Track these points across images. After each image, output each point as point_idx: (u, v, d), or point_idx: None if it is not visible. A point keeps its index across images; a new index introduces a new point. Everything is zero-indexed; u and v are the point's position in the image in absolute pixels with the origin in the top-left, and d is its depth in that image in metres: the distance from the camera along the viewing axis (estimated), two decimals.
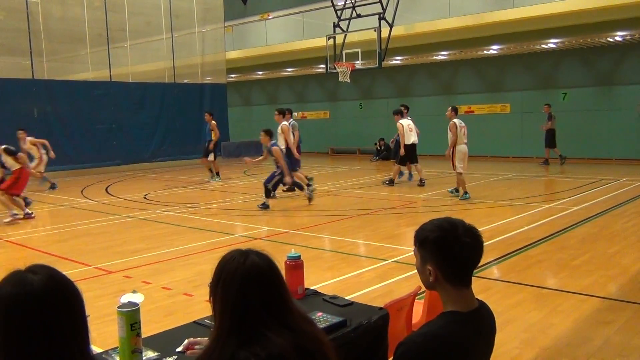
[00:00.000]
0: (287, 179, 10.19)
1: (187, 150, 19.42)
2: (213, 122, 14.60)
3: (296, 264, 2.82)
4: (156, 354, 2.24)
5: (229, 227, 8.85)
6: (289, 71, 23.47)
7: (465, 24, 15.60)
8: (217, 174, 14.67)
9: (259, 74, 24.76)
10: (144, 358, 2.17)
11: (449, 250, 1.80)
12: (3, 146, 10.00)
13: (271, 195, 10.42)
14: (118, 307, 2.13)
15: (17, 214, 9.64)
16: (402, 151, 12.59)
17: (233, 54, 21.57)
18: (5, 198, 9.58)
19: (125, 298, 2.23)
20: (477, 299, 1.90)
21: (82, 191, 13.63)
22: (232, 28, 22.14)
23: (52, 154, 13.61)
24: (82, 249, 7.52)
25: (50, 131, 16.95)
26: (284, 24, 20.73)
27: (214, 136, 14.54)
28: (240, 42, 21.88)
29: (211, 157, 14.59)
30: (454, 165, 10.61)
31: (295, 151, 11.82)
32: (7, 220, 9.45)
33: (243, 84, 26.40)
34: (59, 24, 18.63)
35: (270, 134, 10.25)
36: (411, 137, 12.65)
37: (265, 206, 10.02)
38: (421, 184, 12.62)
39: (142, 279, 5.87)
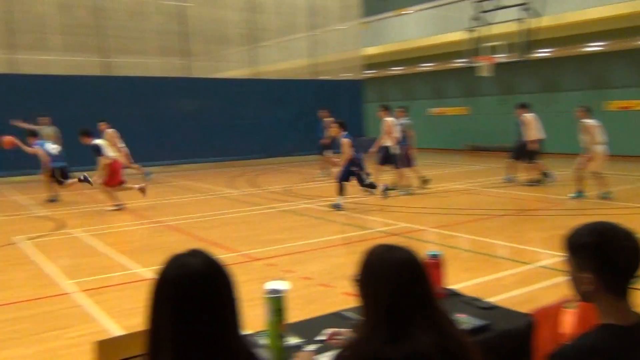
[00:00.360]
0: (335, 170, 9.94)
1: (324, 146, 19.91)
2: (330, 118, 14.89)
3: (436, 263, 2.79)
4: (299, 340, 2.35)
5: (365, 221, 8.94)
6: (426, 66, 23.10)
7: (619, 12, 14.30)
8: (324, 169, 14.92)
9: (396, 70, 24.64)
10: (288, 343, 2.27)
11: (611, 256, 1.67)
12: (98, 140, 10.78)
13: (375, 187, 10.10)
14: (266, 293, 2.25)
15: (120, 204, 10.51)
16: (531, 146, 11.95)
17: (370, 50, 21.67)
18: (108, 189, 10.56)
19: (272, 285, 2.34)
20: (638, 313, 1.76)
21: (228, 182, 14.52)
22: (370, 24, 22.25)
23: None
24: (229, 236, 8.02)
25: (199, 126, 18.30)
26: (421, 18, 20.43)
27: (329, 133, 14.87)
28: (377, 38, 21.93)
29: (328, 153, 14.94)
30: (588, 167, 10.03)
31: (375, 148, 11.72)
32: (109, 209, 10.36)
33: (379, 80, 26.43)
34: (209, 25, 19.99)
35: (343, 126, 10.04)
36: (539, 132, 12.07)
37: (385, 193, 10.01)
38: (545, 178, 12.02)
39: (284, 268, 6.14)
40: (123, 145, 13.61)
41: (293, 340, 2.32)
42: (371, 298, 1.60)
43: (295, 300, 5.00)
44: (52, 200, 11.53)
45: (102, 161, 10.37)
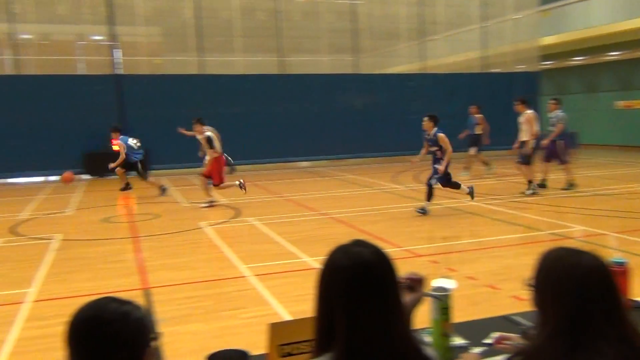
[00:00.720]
0: (441, 168, 9.02)
1: (494, 141, 19.12)
2: (480, 115, 14.29)
3: (622, 271, 2.54)
4: (464, 341, 2.28)
5: (537, 222, 8.41)
6: (614, 55, 21.02)
7: None
8: (468, 168, 14.34)
9: (577, 60, 22.77)
10: (453, 343, 2.22)
11: None
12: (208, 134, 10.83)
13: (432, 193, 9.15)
14: (431, 290, 2.21)
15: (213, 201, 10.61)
16: None
17: (548, 40, 20.25)
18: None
19: (438, 282, 2.29)
20: None
21: (393, 177, 14.58)
22: (549, 12, 20.79)
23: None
24: (393, 231, 8.05)
25: (367, 121, 18.59)
26: (611, 3, 18.59)
27: (480, 130, 14.20)
28: (557, 26, 20.42)
29: (472, 150, 14.30)
30: None
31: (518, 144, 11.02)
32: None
33: (558, 71, 24.62)
34: (379, 21, 20.23)
35: (435, 120, 9.15)
36: None
37: (423, 211, 9.02)
38: None
39: (448, 266, 6.01)
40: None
41: (458, 341, 2.26)
42: (551, 305, 1.49)
43: (458, 300, 4.85)
44: (126, 189, 12.25)
45: (211, 154, 10.59)
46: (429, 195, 9.07)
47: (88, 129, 16.05)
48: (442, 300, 2.15)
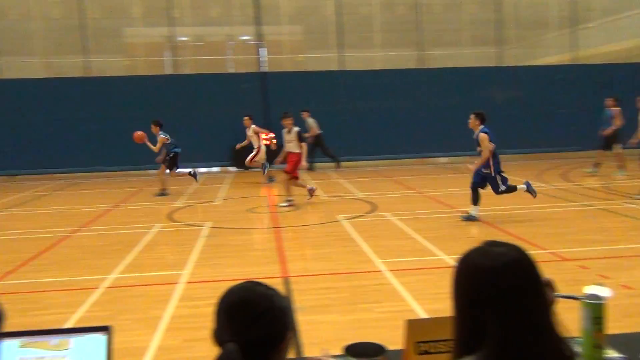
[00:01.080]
0: (472, 168, 8.26)
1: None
2: (617, 108, 12.80)
3: None
4: (620, 355, 2.10)
5: None
6: None
7: None
8: (622, 167, 12.92)
9: None
10: (606, 356, 2.06)
11: None
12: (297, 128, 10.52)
13: (516, 189, 8.34)
14: (583, 298, 2.07)
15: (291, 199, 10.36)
16: None
17: None
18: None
19: (591, 289, 2.14)
20: None
21: (538, 175, 13.80)
22: None
23: (273, 144, 13.48)
24: (537, 232, 7.61)
25: (512, 116, 17.71)
26: None
27: (617, 123, 12.85)
28: None
29: (617, 147, 12.92)
30: None
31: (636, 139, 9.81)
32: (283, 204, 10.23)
33: None
34: (527, 10, 19.24)
35: (481, 117, 7.99)
36: None
37: (531, 191, 8.42)
38: None
39: (599, 272, 5.56)
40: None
41: (612, 354, 2.09)
42: None
43: (612, 309, 4.48)
44: (162, 194, 12.10)
45: (297, 147, 10.35)
46: (511, 190, 8.43)
47: (236, 124, 17.03)
48: (593, 307, 2.00)
